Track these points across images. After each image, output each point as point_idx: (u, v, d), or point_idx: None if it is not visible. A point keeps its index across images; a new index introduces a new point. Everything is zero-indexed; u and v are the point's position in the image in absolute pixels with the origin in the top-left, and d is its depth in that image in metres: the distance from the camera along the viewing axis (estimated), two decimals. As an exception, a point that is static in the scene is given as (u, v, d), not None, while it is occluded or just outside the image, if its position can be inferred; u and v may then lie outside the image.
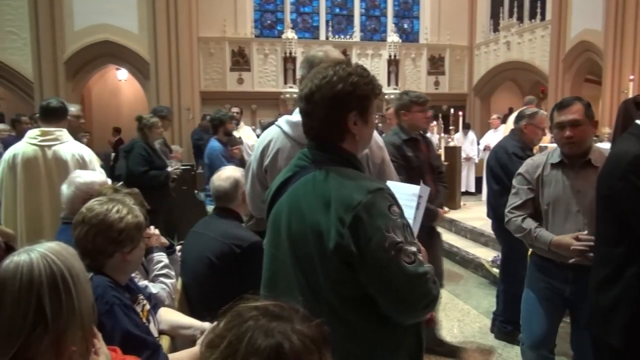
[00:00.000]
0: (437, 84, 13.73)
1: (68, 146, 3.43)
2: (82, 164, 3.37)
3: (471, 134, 10.77)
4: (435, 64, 13.73)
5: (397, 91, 12.87)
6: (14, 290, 1.11)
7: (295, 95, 12.46)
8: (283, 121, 2.01)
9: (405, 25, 14.20)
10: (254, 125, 10.75)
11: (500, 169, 3.74)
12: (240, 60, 12.58)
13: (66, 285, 1.14)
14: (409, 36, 14.10)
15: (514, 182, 2.65)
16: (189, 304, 2.60)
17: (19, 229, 3.39)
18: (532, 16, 11.59)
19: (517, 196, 2.59)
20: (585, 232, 2.30)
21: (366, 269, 1.30)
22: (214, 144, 5.45)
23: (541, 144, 4.62)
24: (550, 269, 2.51)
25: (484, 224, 6.70)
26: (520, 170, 2.64)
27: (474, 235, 6.70)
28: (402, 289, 1.29)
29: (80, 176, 2.53)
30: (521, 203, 2.57)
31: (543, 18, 11.19)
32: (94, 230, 1.68)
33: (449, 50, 13.68)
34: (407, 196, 1.75)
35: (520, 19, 11.97)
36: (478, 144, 10.53)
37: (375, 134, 2.08)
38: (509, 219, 2.61)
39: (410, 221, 1.63)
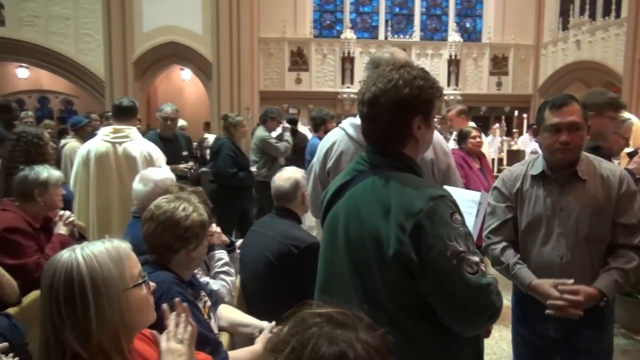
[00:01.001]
0: (499, 84, 13.25)
1: (137, 144, 3.59)
2: (150, 161, 3.51)
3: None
4: (498, 64, 13.26)
5: (457, 92, 12.58)
6: (42, 288, 1.17)
7: (352, 96, 12.45)
8: (347, 123, 2.00)
9: (468, 24, 13.83)
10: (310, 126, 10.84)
11: None
12: (299, 61, 12.72)
13: (83, 295, 1.13)
14: (470, 35, 13.71)
15: (489, 197, 2.12)
16: (247, 301, 2.64)
17: (91, 220, 3.58)
18: (606, 13, 10.94)
19: (494, 216, 2.08)
20: (571, 280, 1.85)
21: (426, 278, 1.26)
22: (315, 141, 5.59)
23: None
24: (532, 308, 2.02)
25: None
26: (496, 183, 2.15)
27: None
28: (463, 300, 1.26)
29: (155, 173, 2.64)
30: (498, 225, 2.06)
31: (618, 15, 10.53)
32: (161, 227, 1.74)
33: (513, 50, 13.17)
34: (467, 202, 1.69)
35: (592, 16, 11.33)
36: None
37: (442, 139, 2.01)
38: (486, 245, 2.12)
39: (470, 228, 1.57)
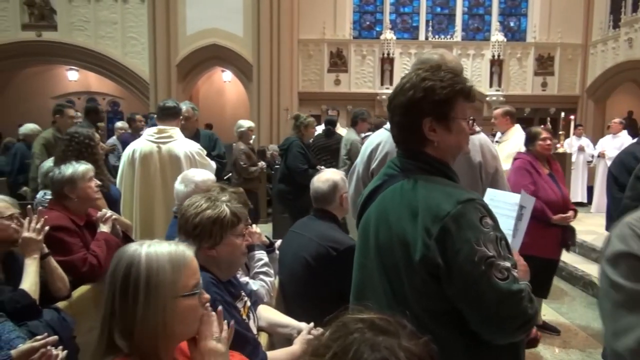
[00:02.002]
0: (544, 85, 12.85)
1: (181, 144, 3.67)
2: (193, 161, 3.58)
3: (585, 139, 9.94)
4: (544, 64, 12.86)
5: (499, 93, 12.27)
6: (108, 273, 1.21)
7: (391, 97, 12.34)
8: None
9: (512, 24, 13.48)
10: (348, 126, 10.81)
11: (629, 178, 3.36)
12: (338, 62, 12.72)
13: (135, 292, 1.16)
14: (515, 35, 13.36)
15: (615, 273, 1.47)
16: (285, 302, 2.65)
17: (134, 219, 3.68)
18: (661, 10, 10.42)
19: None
20: None
21: (453, 283, 1.24)
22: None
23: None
24: None
25: (596, 239, 6.14)
26: (623, 244, 1.61)
27: (584, 250, 6.16)
28: (492, 306, 1.22)
29: (197, 175, 2.68)
30: None
31: (674, 12, 10.01)
32: (179, 226, 1.77)
33: (559, 49, 12.74)
34: (508, 205, 1.63)
35: (645, 13, 10.82)
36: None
37: (490, 142, 1.97)
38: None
39: (509, 232, 1.52)
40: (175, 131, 3.71)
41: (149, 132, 3.75)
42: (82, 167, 2.72)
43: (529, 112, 12.61)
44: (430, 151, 1.39)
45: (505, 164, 3.16)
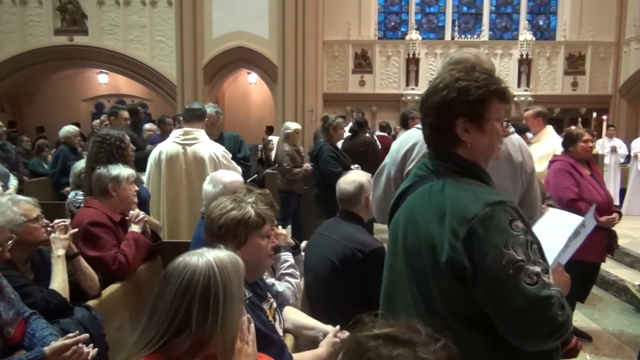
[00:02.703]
0: (574, 84, 12.55)
1: (205, 145, 3.71)
2: (217, 163, 3.62)
3: (617, 140, 9.66)
4: (574, 63, 12.55)
5: (528, 93, 12.04)
6: (173, 289, 1.19)
7: (417, 97, 12.23)
8: None
9: (541, 22, 13.21)
10: (373, 128, 10.76)
11: None
12: (363, 63, 12.69)
13: (216, 301, 1.18)
14: (544, 33, 13.09)
15: None
16: (310, 304, 2.65)
17: (161, 218, 3.75)
18: (699, 6, 10.06)
19: None
20: None
21: (480, 286, 1.22)
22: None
23: None
24: None
25: (630, 242, 5.96)
26: None
27: (618, 254, 5.97)
28: (520, 312, 1.19)
29: (225, 176, 2.72)
30: None
31: None
32: (206, 226, 1.78)
33: (591, 48, 12.42)
34: (567, 225, 1.58)
35: (682, 9, 10.46)
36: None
37: (523, 142, 1.93)
38: None
39: (559, 247, 1.48)
40: (200, 133, 3.77)
41: (175, 134, 3.82)
42: (128, 171, 2.90)
43: (559, 112, 12.33)
44: (462, 152, 1.37)
45: (538, 166, 3.08)
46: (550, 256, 1.40)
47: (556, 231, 1.47)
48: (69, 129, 6.30)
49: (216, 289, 1.18)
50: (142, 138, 6.28)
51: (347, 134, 6.81)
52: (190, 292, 1.17)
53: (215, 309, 1.18)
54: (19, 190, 5.12)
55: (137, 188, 2.98)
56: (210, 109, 4.31)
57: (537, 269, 1.20)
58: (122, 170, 2.86)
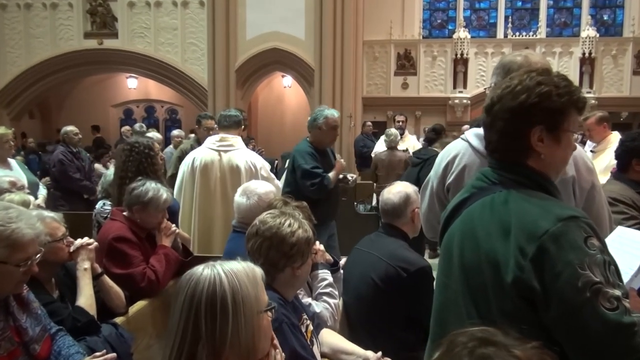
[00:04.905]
0: (646, 85, 12.07)
1: (242, 153, 3.76)
2: (254, 173, 3.65)
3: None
4: (645, 61, 12.09)
5: (591, 95, 11.65)
6: (180, 301, 1.24)
7: (465, 101, 12.06)
8: (471, 134, 1.91)
9: (605, 17, 12.81)
10: (417, 134, 10.66)
11: None
12: (406, 64, 12.62)
13: (224, 310, 1.20)
14: (609, 29, 12.70)
15: None
16: (349, 326, 2.62)
17: (192, 231, 3.80)
18: None
19: None
20: None
21: (551, 311, 1.17)
22: None
23: None
24: None
25: None
26: None
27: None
28: (597, 340, 1.14)
29: (259, 187, 2.73)
30: None
31: None
32: (267, 244, 1.79)
33: (663, 44, 11.94)
34: (637, 245, 1.54)
35: None
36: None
37: (585, 154, 1.87)
38: None
39: (631, 271, 1.43)
40: (237, 140, 3.84)
41: (210, 140, 3.91)
42: (164, 197, 2.83)
43: (627, 116, 11.87)
44: (532, 163, 1.34)
45: (603, 178, 2.96)
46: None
47: (627, 252, 1.43)
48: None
49: (223, 296, 1.20)
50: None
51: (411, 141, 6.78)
52: (195, 301, 1.21)
53: (223, 317, 1.20)
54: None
55: (167, 216, 2.95)
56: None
57: (617, 292, 1.15)
58: (157, 197, 2.80)
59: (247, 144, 4.43)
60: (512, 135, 1.33)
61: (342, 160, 4.24)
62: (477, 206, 1.36)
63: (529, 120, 1.31)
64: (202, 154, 3.82)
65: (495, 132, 1.37)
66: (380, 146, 7.45)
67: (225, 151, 3.78)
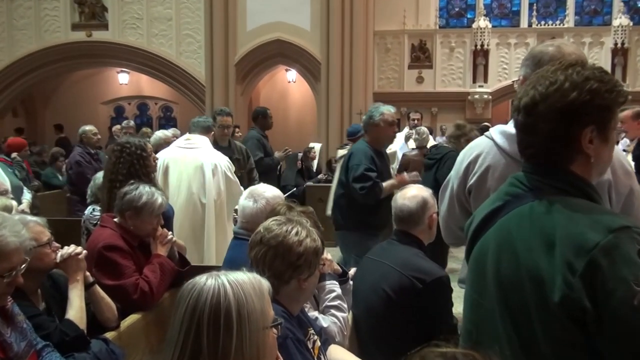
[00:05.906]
0: (684, 78, 12.02)
1: (205, 152, 4.20)
2: (219, 172, 4.11)
3: None
4: (683, 52, 12.04)
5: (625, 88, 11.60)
6: (181, 312, 1.24)
7: (486, 97, 12.03)
8: (496, 132, 1.89)
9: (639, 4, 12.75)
10: (434, 133, 10.64)
11: None
12: (421, 56, 12.63)
13: (228, 323, 1.21)
14: (644, 17, 12.63)
15: None
16: (359, 342, 2.63)
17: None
18: None
19: None
20: None
21: (605, 332, 1.15)
22: None
23: None
24: None
25: None
26: None
27: None
28: None
29: (267, 190, 2.75)
30: None
31: None
32: (272, 253, 1.78)
33: None
34: None
35: None
36: None
37: (622, 155, 1.85)
38: None
39: None
40: (203, 140, 4.28)
41: (179, 140, 4.43)
42: (159, 201, 2.84)
43: (664, 112, 11.82)
44: (575, 168, 1.32)
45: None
46: None
47: None
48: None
49: (227, 309, 1.21)
50: (270, 145, 6.30)
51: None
52: (198, 313, 1.21)
53: (227, 331, 1.20)
54: None
55: (162, 222, 2.95)
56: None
57: None
58: (152, 201, 2.80)
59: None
60: (562, 138, 1.30)
61: (407, 176, 4.20)
62: (513, 216, 1.34)
63: (580, 121, 1.28)
64: (171, 154, 4.24)
65: (538, 135, 1.33)
66: (397, 144, 7.37)
67: (191, 149, 4.23)
